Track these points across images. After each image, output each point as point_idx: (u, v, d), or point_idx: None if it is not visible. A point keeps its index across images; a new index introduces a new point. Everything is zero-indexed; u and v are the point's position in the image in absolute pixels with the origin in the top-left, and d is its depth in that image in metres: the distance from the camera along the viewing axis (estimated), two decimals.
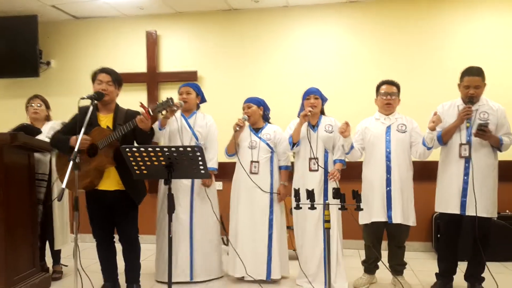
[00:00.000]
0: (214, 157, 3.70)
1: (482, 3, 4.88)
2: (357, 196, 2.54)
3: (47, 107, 3.97)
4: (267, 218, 3.61)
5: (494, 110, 3.28)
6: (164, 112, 3.06)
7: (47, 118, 3.96)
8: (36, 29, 5.29)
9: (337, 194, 2.59)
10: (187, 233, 3.65)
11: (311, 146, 3.45)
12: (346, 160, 3.58)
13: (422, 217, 3.63)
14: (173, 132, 3.67)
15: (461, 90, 3.34)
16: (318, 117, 3.59)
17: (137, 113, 2.98)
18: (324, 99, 3.62)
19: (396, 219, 3.33)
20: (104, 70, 3.08)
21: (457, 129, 3.27)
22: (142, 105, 2.89)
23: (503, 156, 3.44)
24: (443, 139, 3.31)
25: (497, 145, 3.24)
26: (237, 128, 3.54)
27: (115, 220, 3.11)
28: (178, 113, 3.61)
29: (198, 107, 3.84)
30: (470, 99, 3.24)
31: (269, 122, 3.80)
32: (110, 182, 3.00)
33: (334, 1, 5.07)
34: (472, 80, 3.23)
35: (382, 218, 3.35)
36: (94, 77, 3.10)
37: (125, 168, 2.70)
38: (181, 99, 3.64)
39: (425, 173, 3.97)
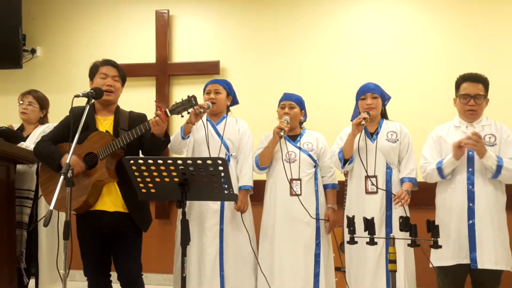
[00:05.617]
0: (248, 172, 3.39)
1: None
2: (433, 228, 2.28)
3: (42, 106, 3.70)
4: (312, 253, 3.24)
5: None
6: (185, 113, 2.86)
7: (42, 121, 3.71)
8: (19, 8, 5.00)
9: (405, 224, 2.34)
10: (217, 270, 3.31)
11: (367, 160, 3.16)
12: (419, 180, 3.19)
13: None
14: (199, 142, 3.40)
15: None
16: (378, 121, 3.25)
17: (143, 116, 2.92)
18: (385, 98, 3.26)
19: (483, 263, 2.84)
20: (109, 63, 2.94)
21: None
22: (158, 105, 2.74)
23: None
24: None
25: None
26: (282, 133, 3.17)
27: (113, 252, 2.85)
28: (204, 118, 3.36)
29: (228, 110, 3.58)
30: None
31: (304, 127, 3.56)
32: (110, 201, 2.76)
33: None
34: None
35: (463, 259, 2.89)
36: (94, 70, 2.94)
37: (130, 185, 2.49)
38: (208, 100, 3.37)
39: None
